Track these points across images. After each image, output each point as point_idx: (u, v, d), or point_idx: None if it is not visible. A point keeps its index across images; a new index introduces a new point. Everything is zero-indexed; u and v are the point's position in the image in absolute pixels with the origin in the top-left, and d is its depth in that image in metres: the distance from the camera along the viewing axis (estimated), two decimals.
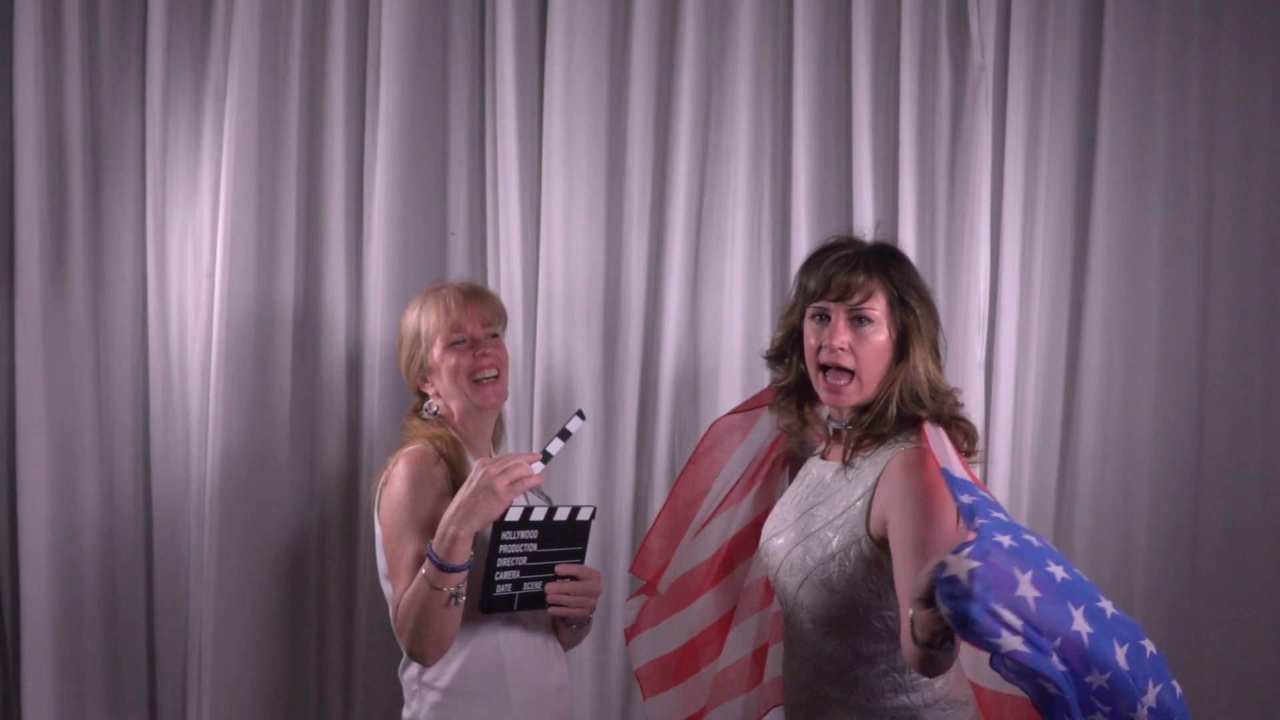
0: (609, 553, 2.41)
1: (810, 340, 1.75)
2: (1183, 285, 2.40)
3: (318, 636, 2.46)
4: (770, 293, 2.42)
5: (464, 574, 1.77)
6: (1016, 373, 2.38)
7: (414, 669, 1.91)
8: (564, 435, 1.85)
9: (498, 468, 1.75)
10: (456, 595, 1.77)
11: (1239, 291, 2.39)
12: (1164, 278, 2.40)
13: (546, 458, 1.82)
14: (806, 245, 2.36)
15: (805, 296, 1.77)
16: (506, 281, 2.41)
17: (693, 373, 2.42)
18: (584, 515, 1.88)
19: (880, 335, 1.72)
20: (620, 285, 2.43)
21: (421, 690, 1.90)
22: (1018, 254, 2.38)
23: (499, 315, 2.08)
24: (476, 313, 2.02)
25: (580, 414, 1.88)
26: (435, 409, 2.01)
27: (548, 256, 2.39)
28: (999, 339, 2.36)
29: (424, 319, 2.02)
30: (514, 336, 2.40)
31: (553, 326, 2.40)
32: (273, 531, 2.41)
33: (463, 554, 1.75)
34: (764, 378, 2.39)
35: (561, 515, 1.85)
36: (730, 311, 2.41)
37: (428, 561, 1.76)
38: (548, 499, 2.08)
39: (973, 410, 2.27)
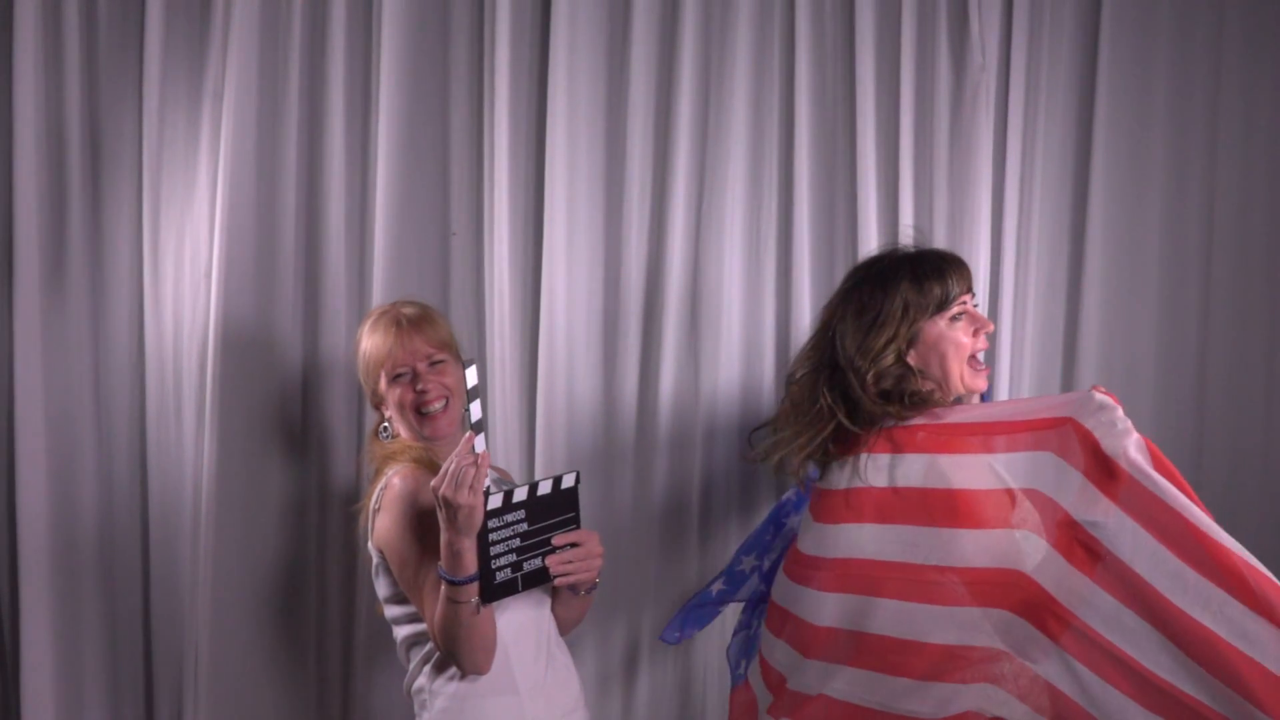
0: (608, 552, 2.38)
1: (962, 339, 1.87)
2: (1182, 283, 2.40)
3: (316, 637, 2.46)
4: (771, 293, 2.41)
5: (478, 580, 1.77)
6: (1013, 371, 2.39)
7: (421, 679, 1.90)
8: (473, 394, 1.76)
9: (449, 488, 1.70)
10: (479, 601, 1.77)
11: (1239, 290, 2.39)
12: (1163, 276, 2.41)
13: (478, 427, 1.75)
14: (807, 246, 2.37)
15: (943, 302, 1.86)
16: (503, 282, 2.40)
17: (693, 374, 2.42)
18: (568, 482, 1.85)
19: None
20: (621, 285, 2.42)
21: (430, 698, 1.88)
22: (1016, 252, 2.38)
23: (444, 342, 2.02)
24: (416, 345, 1.97)
25: (469, 362, 1.78)
26: (389, 433, 2.00)
27: (550, 257, 2.38)
28: (997, 337, 2.37)
29: (370, 347, 2.00)
30: (515, 337, 2.40)
31: (554, 327, 2.39)
32: (270, 533, 2.41)
33: (471, 563, 1.75)
34: (765, 378, 2.41)
35: (544, 489, 1.82)
36: (730, 311, 2.40)
37: (443, 582, 1.76)
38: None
39: None
